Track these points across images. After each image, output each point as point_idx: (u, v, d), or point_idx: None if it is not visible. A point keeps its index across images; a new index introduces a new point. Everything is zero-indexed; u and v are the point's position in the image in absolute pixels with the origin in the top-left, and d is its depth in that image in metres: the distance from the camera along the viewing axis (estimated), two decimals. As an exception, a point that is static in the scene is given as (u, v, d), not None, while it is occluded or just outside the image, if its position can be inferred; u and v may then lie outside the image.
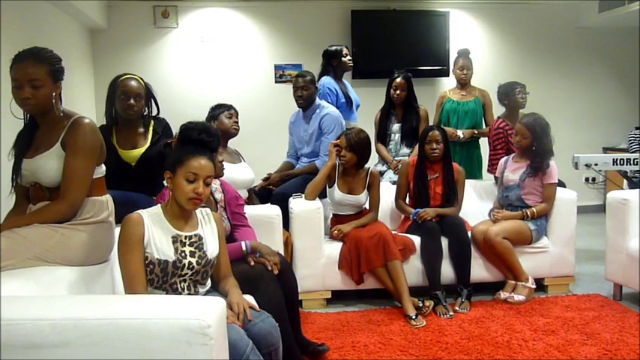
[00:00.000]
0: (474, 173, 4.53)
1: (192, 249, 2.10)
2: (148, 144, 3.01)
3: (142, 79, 3.05)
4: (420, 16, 6.24)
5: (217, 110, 3.59)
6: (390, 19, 6.13)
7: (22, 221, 2.11)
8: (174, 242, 2.07)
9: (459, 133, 4.44)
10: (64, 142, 2.13)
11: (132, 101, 2.96)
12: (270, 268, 2.50)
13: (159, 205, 2.16)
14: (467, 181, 3.90)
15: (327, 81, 4.33)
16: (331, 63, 4.38)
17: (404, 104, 4.34)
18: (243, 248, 2.56)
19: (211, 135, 2.19)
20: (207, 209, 2.30)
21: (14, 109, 2.12)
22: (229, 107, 3.62)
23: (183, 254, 2.07)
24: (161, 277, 2.05)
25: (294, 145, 4.36)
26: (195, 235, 2.14)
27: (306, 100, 4.07)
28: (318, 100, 4.14)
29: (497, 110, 4.47)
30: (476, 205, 4.07)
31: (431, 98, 5.20)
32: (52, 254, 2.07)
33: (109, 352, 1.50)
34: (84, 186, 2.15)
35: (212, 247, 2.18)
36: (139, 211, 2.07)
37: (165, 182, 2.12)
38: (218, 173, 2.77)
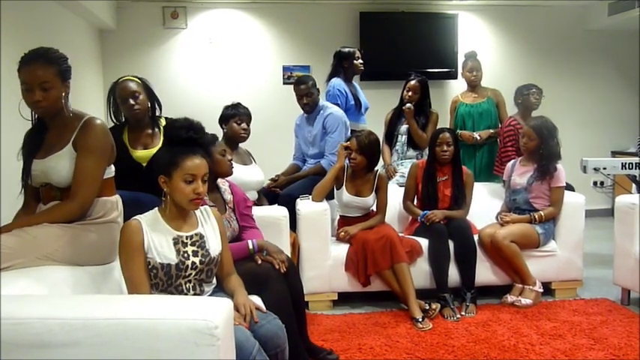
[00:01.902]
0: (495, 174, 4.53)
1: (195, 248, 2.10)
2: (159, 144, 3.01)
3: (138, 78, 3.04)
4: (429, 19, 6.23)
5: (229, 112, 3.60)
6: (398, 21, 6.12)
7: (31, 220, 2.11)
8: (175, 244, 2.06)
9: (476, 135, 4.44)
10: (76, 143, 2.14)
11: (130, 101, 2.96)
12: (277, 266, 2.50)
13: (156, 208, 2.13)
14: (477, 183, 3.89)
15: (338, 83, 4.33)
16: (343, 64, 4.38)
17: (416, 107, 4.32)
18: (250, 247, 2.56)
19: (198, 131, 2.14)
20: (206, 206, 2.28)
21: (22, 110, 2.12)
22: (240, 113, 3.59)
23: (185, 255, 2.06)
24: (165, 281, 2.04)
25: (300, 148, 4.37)
26: (196, 234, 2.13)
27: (312, 106, 4.08)
28: (321, 102, 4.16)
29: (512, 112, 4.46)
30: (483, 207, 4.06)
31: (439, 100, 5.19)
32: (62, 254, 2.07)
33: (117, 352, 1.51)
34: (94, 186, 2.16)
35: (214, 245, 2.17)
36: (136, 217, 2.06)
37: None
38: (228, 172, 2.78)
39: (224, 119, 3.60)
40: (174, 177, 2.02)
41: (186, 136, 2.08)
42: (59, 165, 2.14)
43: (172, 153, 2.05)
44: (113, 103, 3.05)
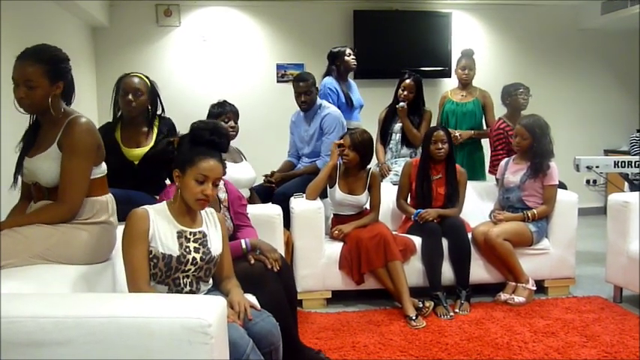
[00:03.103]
0: (477, 175, 4.52)
1: (197, 245, 2.12)
2: (152, 143, 3.01)
3: (146, 77, 3.04)
4: (423, 17, 6.24)
5: (215, 110, 3.53)
6: (392, 19, 6.13)
7: (21, 221, 2.11)
8: (179, 237, 2.09)
9: (456, 134, 4.43)
10: (60, 143, 2.12)
11: (130, 97, 2.95)
12: (269, 266, 2.49)
13: (164, 201, 2.17)
14: (468, 182, 3.90)
15: (329, 81, 4.34)
16: (335, 63, 4.39)
17: (410, 106, 4.31)
18: (243, 246, 2.56)
19: (222, 136, 2.18)
20: (212, 209, 2.31)
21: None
22: (227, 111, 3.53)
23: (187, 250, 2.09)
24: (164, 272, 2.06)
25: (295, 145, 4.36)
26: (200, 232, 2.16)
27: (309, 105, 4.07)
28: (319, 100, 4.15)
29: (500, 112, 4.47)
30: (476, 206, 4.07)
31: (432, 99, 5.17)
32: (53, 253, 2.07)
33: (110, 351, 1.51)
34: (82, 188, 2.15)
35: (216, 245, 2.19)
36: (145, 206, 2.09)
37: (171, 180, 2.12)
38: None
39: (211, 118, 3.50)
40: (188, 174, 2.06)
41: (209, 139, 2.13)
42: (45, 165, 2.13)
43: (192, 151, 2.09)
44: (116, 95, 3.04)
